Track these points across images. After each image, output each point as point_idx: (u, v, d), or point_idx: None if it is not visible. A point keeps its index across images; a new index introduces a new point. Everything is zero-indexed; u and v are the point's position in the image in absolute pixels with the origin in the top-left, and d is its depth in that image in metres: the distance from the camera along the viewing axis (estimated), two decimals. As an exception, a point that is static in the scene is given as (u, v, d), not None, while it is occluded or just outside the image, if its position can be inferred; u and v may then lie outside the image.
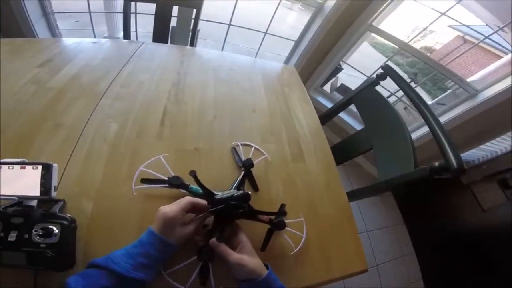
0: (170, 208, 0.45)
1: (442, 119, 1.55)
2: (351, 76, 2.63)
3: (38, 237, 0.41)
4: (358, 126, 1.90)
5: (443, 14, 1.55)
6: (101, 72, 0.84)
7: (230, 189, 0.57)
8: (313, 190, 0.69)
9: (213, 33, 3.26)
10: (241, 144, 0.72)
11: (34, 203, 0.44)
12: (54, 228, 0.41)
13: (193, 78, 0.93)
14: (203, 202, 0.49)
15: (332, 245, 0.60)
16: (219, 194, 0.52)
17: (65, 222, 0.43)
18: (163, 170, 0.58)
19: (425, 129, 1.67)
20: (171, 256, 0.45)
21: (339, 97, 2.22)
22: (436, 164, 0.61)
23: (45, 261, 0.40)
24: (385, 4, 1.54)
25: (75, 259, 0.44)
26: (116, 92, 0.78)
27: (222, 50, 1.99)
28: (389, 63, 1.06)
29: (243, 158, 0.67)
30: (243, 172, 0.62)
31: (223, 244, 0.46)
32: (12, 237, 0.40)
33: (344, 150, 0.94)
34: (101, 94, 0.76)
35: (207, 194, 0.52)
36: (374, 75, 0.91)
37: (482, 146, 1.65)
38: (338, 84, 2.38)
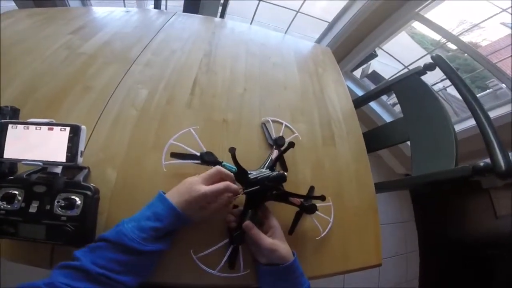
0: (207, 188, 0.41)
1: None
2: (382, 64, 2.47)
3: (60, 208, 0.38)
4: (387, 117, 1.81)
5: (504, 10, 1.38)
6: (133, 39, 0.83)
7: (262, 169, 0.54)
8: (342, 176, 0.66)
9: (240, 9, 3.16)
10: (272, 121, 0.69)
11: (58, 170, 0.41)
12: (77, 199, 0.39)
13: (225, 49, 0.90)
14: (235, 187, 0.45)
15: (353, 236, 0.58)
16: (253, 174, 0.49)
17: (88, 193, 0.40)
18: (191, 143, 0.55)
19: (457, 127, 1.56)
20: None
21: (368, 83, 2.11)
22: (481, 164, 0.56)
23: (65, 236, 0.38)
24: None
25: (95, 234, 0.41)
26: (147, 59, 0.77)
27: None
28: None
29: (274, 136, 0.64)
30: (275, 151, 0.59)
31: (256, 228, 0.45)
32: (33, 208, 0.38)
33: (376, 139, 0.89)
34: (132, 61, 0.75)
35: (242, 173, 0.48)
36: (421, 65, 0.83)
37: (512, 153, 1.52)
38: (370, 71, 2.25)
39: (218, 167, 0.45)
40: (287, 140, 0.63)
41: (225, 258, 0.45)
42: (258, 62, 0.89)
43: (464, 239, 1.61)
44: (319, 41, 1.87)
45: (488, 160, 0.57)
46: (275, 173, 0.49)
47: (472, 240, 1.57)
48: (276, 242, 0.44)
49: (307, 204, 0.51)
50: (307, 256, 0.52)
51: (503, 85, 1.45)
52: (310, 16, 1.87)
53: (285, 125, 0.69)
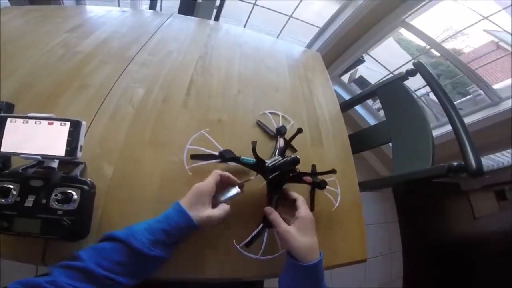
0: (204, 181, 0.45)
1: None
2: (369, 70, 2.56)
3: (56, 202, 0.37)
4: (371, 121, 1.88)
5: (486, 18, 1.47)
6: (130, 39, 0.85)
7: (274, 156, 0.58)
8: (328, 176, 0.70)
9: (233, 12, 3.19)
10: (269, 113, 0.75)
11: (55, 164, 0.41)
12: (74, 193, 0.38)
13: (220, 51, 0.93)
14: (233, 177, 0.49)
15: (340, 231, 0.61)
16: (269, 162, 0.52)
17: (85, 187, 0.40)
18: (202, 144, 0.58)
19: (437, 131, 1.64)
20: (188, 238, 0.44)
21: (356, 88, 2.18)
22: (455, 163, 0.62)
23: (60, 230, 0.37)
24: (423, 2, 1.47)
25: (90, 229, 0.41)
26: (144, 59, 0.79)
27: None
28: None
29: (275, 126, 0.69)
30: (281, 140, 0.65)
31: (275, 213, 0.46)
32: (29, 202, 0.37)
33: (360, 141, 0.94)
34: (129, 60, 0.76)
35: (261, 163, 0.52)
36: (404, 70, 0.89)
37: (491, 156, 1.62)
38: (357, 76, 2.33)
39: (215, 170, 0.49)
40: (288, 126, 0.71)
41: (263, 243, 0.47)
42: (252, 65, 0.92)
43: (445, 239, 1.68)
44: (309, 46, 1.92)
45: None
46: (289, 157, 0.53)
47: (452, 240, 1.64)
48: (290, 230, 0.43)
49: (317, 181, 0.54)
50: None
51: (482, 91, 1.55)
52: (301, 21, 1.92)
53: (282, 116, 0.76)
